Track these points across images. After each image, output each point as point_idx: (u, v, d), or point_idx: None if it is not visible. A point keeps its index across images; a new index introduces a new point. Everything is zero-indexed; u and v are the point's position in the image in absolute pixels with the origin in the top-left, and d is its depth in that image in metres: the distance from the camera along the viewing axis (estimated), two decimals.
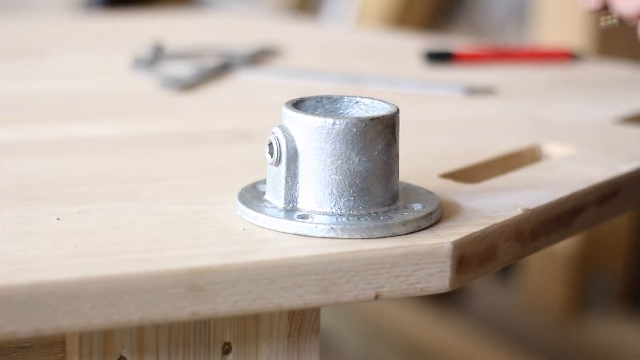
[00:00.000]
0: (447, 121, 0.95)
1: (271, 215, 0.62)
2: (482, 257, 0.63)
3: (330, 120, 0.62)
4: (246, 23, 1.65)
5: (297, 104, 0.65)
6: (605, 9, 0.60)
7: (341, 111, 0.67)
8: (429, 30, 2.25)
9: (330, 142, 0.62)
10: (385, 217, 0.62)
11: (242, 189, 0.67)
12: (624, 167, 0.78)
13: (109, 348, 0.61)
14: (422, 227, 0.63)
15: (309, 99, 0.66)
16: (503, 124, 0.94)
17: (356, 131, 0.62)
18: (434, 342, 1.95)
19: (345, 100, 0.67)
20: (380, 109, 0.65)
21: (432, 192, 0.67)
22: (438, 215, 0.64)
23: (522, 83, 1.14)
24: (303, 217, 0.62)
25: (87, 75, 1.13)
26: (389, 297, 0.59)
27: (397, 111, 0.64)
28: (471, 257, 0.62)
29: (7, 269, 0.55)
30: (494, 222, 0.64)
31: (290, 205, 0.63)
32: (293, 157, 0.63)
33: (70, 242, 0.59)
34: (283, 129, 0.63)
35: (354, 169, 0.62)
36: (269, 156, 0.63)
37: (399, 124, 0.64)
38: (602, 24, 0.59)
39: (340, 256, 0.58)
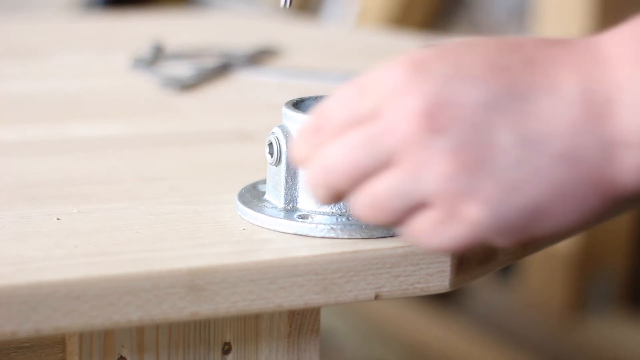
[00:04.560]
0: None
1: (271, 215, 0.62)
2: (482, 257, 0.63)
3: None
4: (246, 23, 1.65)
5: (297, 104, 0.65)
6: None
7: None
8: (429, 30, 2.25)
9: None
10: None
11: (242, 189, 0.66)
12: None
13: (109, 348, 0.61)
14: None
15: (309, 99, 0.66)
16: None
17: None
18: (434, 342, 1.95)
19: None
20: None
21: None
22: None
23: None
24: (303, 217, 0.62)
25: (87, 75, 1.13)
26: (389, 297, 0.59)
27: None
28: (471, 257, 0.62)
29: (7, 269, 0.54)
30: None
31: (290, 205, 0.63)
32: None
33: (70, 242, 0.59)
34: (283, 129, 0.63)
35: None
36: (269, 156, 0.63)
37: None
38: None
39: (340, 256, 0.58)
